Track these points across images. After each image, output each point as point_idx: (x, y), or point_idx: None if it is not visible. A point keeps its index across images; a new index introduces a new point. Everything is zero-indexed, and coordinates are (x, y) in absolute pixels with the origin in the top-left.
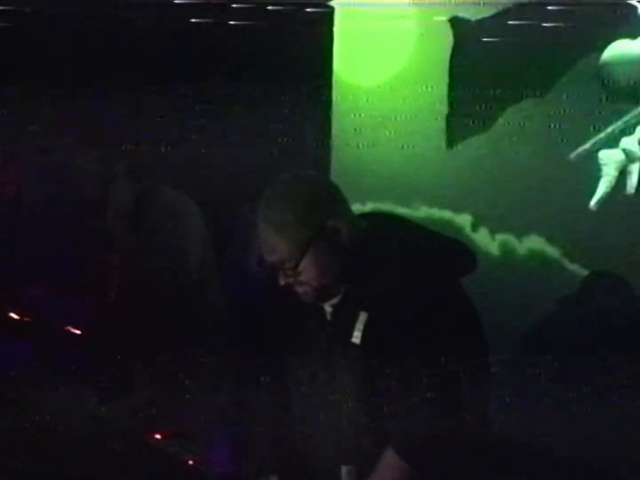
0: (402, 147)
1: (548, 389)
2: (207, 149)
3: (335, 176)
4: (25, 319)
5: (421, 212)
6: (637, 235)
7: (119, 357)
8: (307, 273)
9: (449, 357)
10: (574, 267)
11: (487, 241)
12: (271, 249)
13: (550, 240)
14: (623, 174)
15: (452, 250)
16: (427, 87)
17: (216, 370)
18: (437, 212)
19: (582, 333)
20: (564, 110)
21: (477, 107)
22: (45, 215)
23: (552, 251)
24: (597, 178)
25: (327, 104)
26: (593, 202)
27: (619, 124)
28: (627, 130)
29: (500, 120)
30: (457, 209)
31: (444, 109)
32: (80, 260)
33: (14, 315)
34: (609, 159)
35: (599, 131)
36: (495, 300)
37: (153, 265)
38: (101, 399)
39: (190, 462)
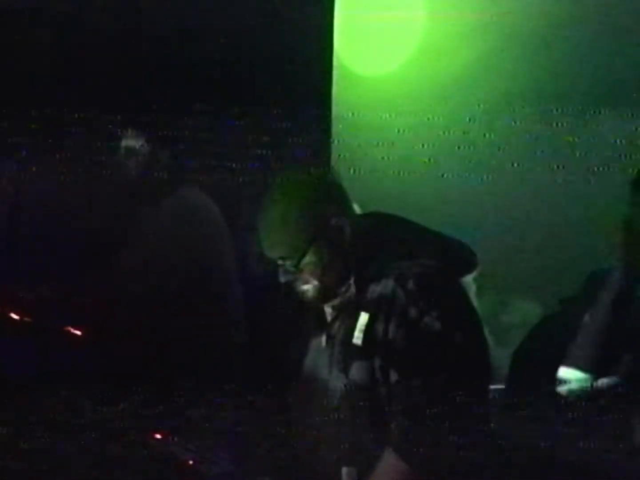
0: None
1: None
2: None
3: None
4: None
5: None
6: None
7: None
8: (309, 270)
9: (450, 356)
10: None
11: None
12: (273, 244)
13: None
14: None
15: (453, 250)
16: None
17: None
18: None
19: None
20: None
21: None
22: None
23: None
24: None
25: None
26: None
27: None
28: None
29: None
30: None
31: None
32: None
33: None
34: None
35: None
36: None
37: None
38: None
39: (190, 462)
